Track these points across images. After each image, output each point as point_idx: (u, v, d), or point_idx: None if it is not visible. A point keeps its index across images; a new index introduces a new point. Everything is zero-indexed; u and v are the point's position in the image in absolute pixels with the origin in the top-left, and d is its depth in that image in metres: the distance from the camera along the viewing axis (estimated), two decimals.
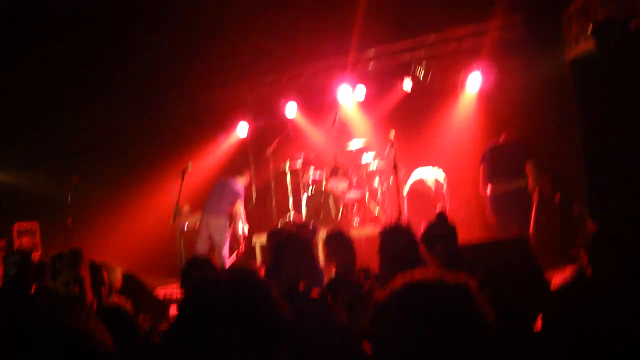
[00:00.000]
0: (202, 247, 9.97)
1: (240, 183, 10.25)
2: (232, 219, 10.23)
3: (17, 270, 4.75)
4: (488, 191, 8.60)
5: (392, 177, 10.21)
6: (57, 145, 11.13)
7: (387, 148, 10.15)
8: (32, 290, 4.77)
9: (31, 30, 10.05)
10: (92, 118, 11.39)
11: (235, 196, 10.07)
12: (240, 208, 10.15)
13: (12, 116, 10.65)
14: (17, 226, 10.94)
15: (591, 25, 5.65)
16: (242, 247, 10.39)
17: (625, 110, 4.82)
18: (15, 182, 11.05)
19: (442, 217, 4.05)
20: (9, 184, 11.00)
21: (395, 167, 7.06)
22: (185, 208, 12.41)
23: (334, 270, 4.37)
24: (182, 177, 7.74)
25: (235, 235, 10.36)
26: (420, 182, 9.57)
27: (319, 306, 3.47)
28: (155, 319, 5.29)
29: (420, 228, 9.73)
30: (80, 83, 11.08)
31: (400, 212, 7.12)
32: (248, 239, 10.39)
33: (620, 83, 4.84)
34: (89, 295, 3.89)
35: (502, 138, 8.79)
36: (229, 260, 10.07)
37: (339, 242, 4.32)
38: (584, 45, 7.51)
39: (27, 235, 10.93)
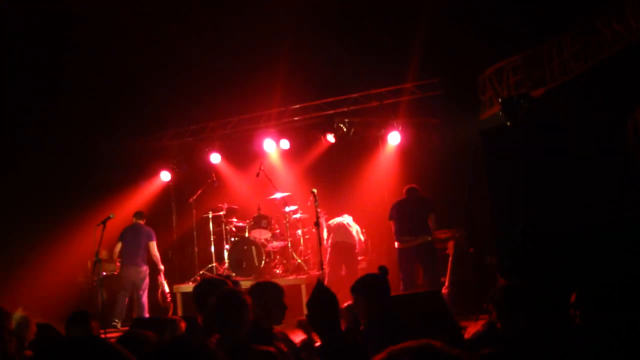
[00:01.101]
0: (123, 296, 9.91)
1: (145, 224, 10.35)
2: (151, 262, 10.17)
3: None
4: (396, 245, 8.82)
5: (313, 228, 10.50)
6: None
7: (310, 199, 10.45)
8: None
9: None
10: (14, 164, 11.08)
11: (149, 238, 10.14)
12: (155, 249, 10.19)
13: None
14: None
15: (500, 99, 6.15)
16: (168, 296, 10.29)
17: (529, 177, 5.28)
18: None
19: (382, 270, 4.19)
20: None
21: (317, 222, 7.25)
22: (104, 254, 12.20)
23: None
24: (104, 227, 7.67)
25: (156, 279, 10.30)
26: (345, 233, 9.80)
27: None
28: None
29: (340, 276, 9.91)
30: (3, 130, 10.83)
31: (322, 264, 7.27)
32: (169, 287, 10.34)
33: (525, 151, 5.31)
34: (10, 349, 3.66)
35: (406, 193, 8.93)
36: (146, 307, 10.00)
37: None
38: (497, 108, 8.03)
39: None
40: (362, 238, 10.06)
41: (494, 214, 5.58)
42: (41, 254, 11.23)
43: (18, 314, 4.60)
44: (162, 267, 10.31)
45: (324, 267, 7.21)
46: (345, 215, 10.10)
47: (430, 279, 8.56)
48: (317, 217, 7.20)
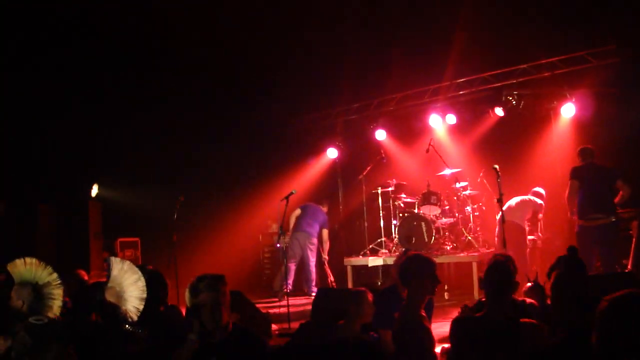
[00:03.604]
0: (292, 262, 10.42)
1: (325, 210, 10.88)
2: (320, 242, 10.63)
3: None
4: (578, 223, 8.11)
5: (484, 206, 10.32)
6: (161, 168, 11.84)
7: (480, 176, 10.28)
8: None
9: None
10: (195, 144, 12.12)
11: (324, 223, 10.71)
12: (327, 235, 10.75)
13: (122, 139, 11.40)
14: (120, 240, 11.63)
15: None
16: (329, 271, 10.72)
17: None
18: (121, 200, 11.79)
19: (572, 249, 4.03)
20: (115, 201, 11.71)
21: (500, 199, 7.13)
22: (273, 227, 12.92)
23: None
24: (287, 202, 8.09)
25: (320, 257, 10.76)
26: (512, 213, 9.46)
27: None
28: (262, 334, 5.58)
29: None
30: (186, 112, 11.89)
31: (505, 242, 7.15)
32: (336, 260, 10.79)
33: None
34: (225, 317, 3.89)
35: (584, 158, 8.29)
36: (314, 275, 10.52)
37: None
38: None
39: (129, 249, 11.59)
40: (539, 216, 9.66)
41: None
42: (220, 224, 12.19)
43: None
44: (327, 257, 10.75)
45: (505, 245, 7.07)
46: (520, 197, 9.70)
47: (608, 262, 7.88)
48: (500, 194, 7.08)
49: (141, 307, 4.84)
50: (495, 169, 7.24)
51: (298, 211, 10.68)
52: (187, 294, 4.59)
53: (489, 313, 3.71)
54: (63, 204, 10.78)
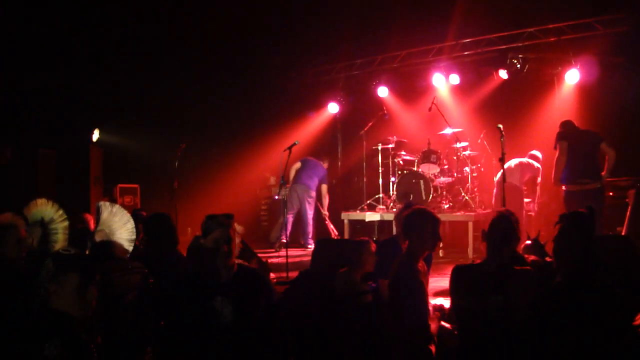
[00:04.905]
0: (290, 213, 10.54)
1: (325, 166, 10.96)
2: (318, 197, 10.74)
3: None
4: (563, 188, 8.03)
5: (479, 165, 10.39)
6: (162, 116, 11.86)
7: (480, 137, 10.33)
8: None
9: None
10: (198, 94, 12.12)
11: (324, 178, 10.82)
12: (326, 191, 10.87)
13: (124, 86, 11.36)
14: (120, 186, 11.70)
15: None
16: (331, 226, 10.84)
17: None
18: (121, 146, 11.83)
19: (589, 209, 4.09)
20: (115, 147, 11.75)
21: (502, 158, 7.17)
22: (272, 181, 13.00)
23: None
24: (290, 153, 8.11)
25: (320, 213, 10.88)
26: (511, 174, 9.50)
27: None
28: None
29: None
30: (188, 62, 11.84)
31: (504, 202, 7.23)
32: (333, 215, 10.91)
33: None
34: (235, 253, 4.07)
35: (568, 127, 8.15)
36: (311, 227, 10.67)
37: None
38: None
39: (128, 195, 11.68)
40: (537, 180, 9.75)
41: None
42: (221, 173, 12.29)
43: None
44: (326, 212, 10.86)
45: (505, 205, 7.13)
46: (519, 159, 9.75)
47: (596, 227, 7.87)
48: (503, 153, 7.13)
49: (130, 248, 4.95)
50: (499, 128, 7.27)
51: (298, 164, 10.75)
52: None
53: (487, 262, 3.87)
54: (64, 149, 10.77)
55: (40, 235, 4.54)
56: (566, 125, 8.20)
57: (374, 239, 10.79)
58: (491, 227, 3.87)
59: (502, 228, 3.83)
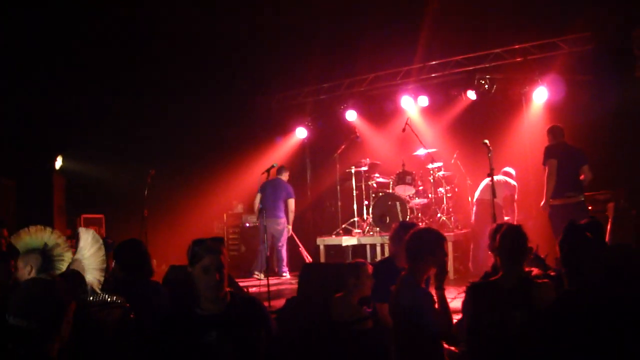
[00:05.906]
0: (263, 249, 10.10)
1: (286, 179, 10.50)
2: (286, 211, 10.38)
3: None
4: (551, 202, 8.06)
5: (453, 186, 10.34)
6: (127, 143, 11.51)
7: (454, 157, 10.31)
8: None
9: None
10: (164, 119, 11.84)
11: (289, 193, 10.32)
12: (293, 205, 10.38)
13: (88, 112, 11.00)
14: (84, 216, 11.26)
15: None
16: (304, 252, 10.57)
17: None
18: (85, 175, 11.42)
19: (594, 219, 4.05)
20: (79, 176, 11.33)
21: (490, 173, 7.13)
22: (239, 208, 12.69)
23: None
24: (268, 175, 7.89)
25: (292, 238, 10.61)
26: (487, 190, 9.47)
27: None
28: None
29: (485, 233, 9.67)
30: (152, 87, 11.52)
31: (495, 217, 7.15)
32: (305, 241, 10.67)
33: None
34: (226, 283, 3.66)
35: (557, 136, 8.33)
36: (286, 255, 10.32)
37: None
38: None
39: (93, 225, 11.22)
40: (514, 197, 9.73)
41: None
42: (188, 201, 11.96)
43: None
44: (290, 226, 10.40)
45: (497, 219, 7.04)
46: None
47: None
48: (491, 168, 7.09)
49: (102, 278, 4.62)
50: (486, 143, 7.25)
51: (258, 196, 10.25)
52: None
53: (505, 276, 3.77)
54: (25, 178, 10.30)
55: (41, 262, 4.22)
56: (555, 137, 8.31)
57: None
58: (504, 241, 3.76)
59: (517, 240, 3.75)
